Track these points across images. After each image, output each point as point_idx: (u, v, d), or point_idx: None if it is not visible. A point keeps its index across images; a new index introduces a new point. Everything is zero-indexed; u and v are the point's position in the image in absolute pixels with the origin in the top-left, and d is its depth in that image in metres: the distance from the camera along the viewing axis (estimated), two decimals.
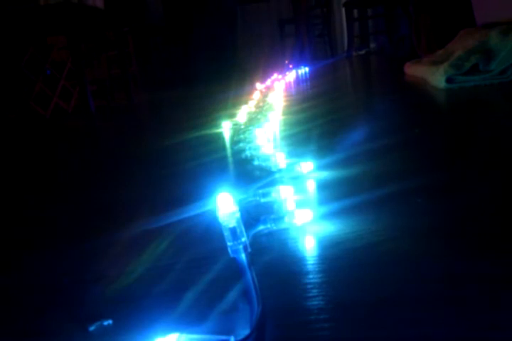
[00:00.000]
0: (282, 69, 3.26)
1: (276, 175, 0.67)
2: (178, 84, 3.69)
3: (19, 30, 2.46)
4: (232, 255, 0.38)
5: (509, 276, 0.33)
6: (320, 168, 0.68)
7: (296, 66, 3.44)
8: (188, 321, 0.33)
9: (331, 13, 5.48)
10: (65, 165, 1.14)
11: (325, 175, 0.66)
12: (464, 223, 0.45)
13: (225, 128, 1.20)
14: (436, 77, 1.48)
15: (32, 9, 2.21)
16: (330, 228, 0.46)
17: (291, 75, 2.87)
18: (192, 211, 0.56)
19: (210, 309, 0.34)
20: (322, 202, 0.55)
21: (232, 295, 0.36)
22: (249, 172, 0.74)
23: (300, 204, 0.52)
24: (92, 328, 0.34)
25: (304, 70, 3.13)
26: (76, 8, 2.30)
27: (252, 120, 1.22)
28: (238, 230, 0.38)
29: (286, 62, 4.20)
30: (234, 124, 1.22)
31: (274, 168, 0.70)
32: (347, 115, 1.34)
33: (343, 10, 4.66)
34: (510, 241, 0.39)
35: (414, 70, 1.93)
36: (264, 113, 1.29)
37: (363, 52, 5.20)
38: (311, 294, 0.34)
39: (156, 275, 0.42)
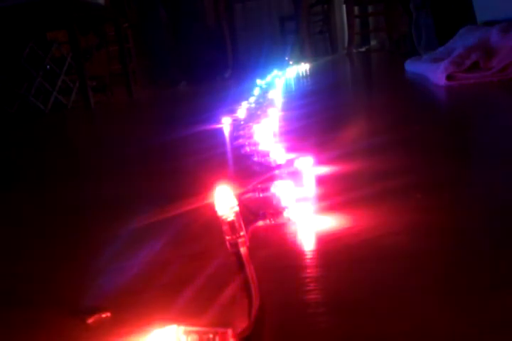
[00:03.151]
0: (282, 66, 3.26)
1: (276, 171, 0.67)
2: (178, 81, 3.68)
3: (19, 25, 2.45)
4: (230, 249, 0.38)
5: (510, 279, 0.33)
6: (319, 163, 0.68)
7: (297, 62, 3.44)
8: (186, 314, 0.33)
9: (332, 10, 5.48)
10: (64, 159, 1.14)
11: (324, 170, 0.66)
12: (464, 219, 0.45)
13: (225, 124, 1.20)
14: (436, 75, 1.48)
15: (32, 4, 2.20)
16: (329, 223, 0.46)
17: (291, 72, 2.87)
18: (191, 205, 0.56)
19: (209, 302, 0.34)
20: (321, 197, 0.55)
21: (231, 288, 0.36)
22: (249, 168, 0.74)
23: (299, 200, 0.52)
24: (90, 320, 0.34)
25: (304, 67, 3.13)
26: (76, 3, 2.29)
27: (252, 116, 1.22)
28: (237, 224, 0.38)
29: (287, 58, 4.20)
30: (234, 120, 1.22)
31: (274, 163, 0.70)
32: (347, 111, 1.34)
33: (344, 7, 4.65)
34: (510, 238, 0.39)
35: (414, 67, 1.93)
36: (263, 109, 1.29)
37: (363, 49, 5.20)
38: (309, 288, 0.34)
39: (155, 268, 0.42)
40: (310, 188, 0.59)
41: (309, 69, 3.17)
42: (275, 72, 2.68)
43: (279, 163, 0.70)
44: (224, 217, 0.38)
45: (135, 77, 3.80)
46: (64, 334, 0.33)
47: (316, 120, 1.19)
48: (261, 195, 0.55)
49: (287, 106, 1.43)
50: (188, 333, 0.27)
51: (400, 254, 0.38)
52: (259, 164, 0.73)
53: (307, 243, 0.43)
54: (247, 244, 0.38)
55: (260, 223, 0.47)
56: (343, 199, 0.53)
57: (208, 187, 0.47)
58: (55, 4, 2.25)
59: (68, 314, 0.36)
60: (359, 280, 0.35)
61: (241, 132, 1.00)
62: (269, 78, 2.46)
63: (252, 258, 0.37)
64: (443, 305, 0.30)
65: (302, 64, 3.21)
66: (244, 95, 1.69)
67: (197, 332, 0.27)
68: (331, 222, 0.46)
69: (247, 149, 0.84)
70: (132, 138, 1.33)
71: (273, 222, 0.47)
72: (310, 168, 0.64)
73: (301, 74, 2.90)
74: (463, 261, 0.36)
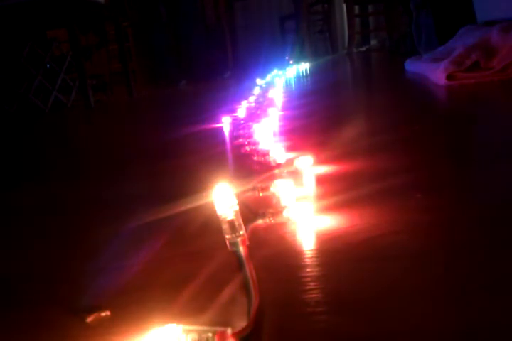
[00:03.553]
0: (282, 65, 3.26)
1: (275, 170, 0.67)
2: (178, 80, 3.68)
3: (19, 24, 2.45)
4: (230, 248, 0.38)
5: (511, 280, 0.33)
6: (319, 162, 0.68)
7: (297, 62, 3.44)
8: (186, 312, 0.33)
9: (332, 9, 5.47)
10: (64, 159, 1.14)
11: (324, 169, 0.66)
12: (464, 219, 0.44)
13: (225, 123, 1.20)
14: (436, 74, 1.48)
15: (32, 3, 2.20)
16: (329, 222, 0.46)
17: (291, 71, 2.87)
18: (190, 204, 0.56)
19: (208, 301, 0.34)
20: (321, 196, 0.55)
21: (230, 287, 0.36)
22: (248, 167, 0.74)
23: (299, 199, 0.52)
24: (89, 319, 0.34)
25: (304, 66, 3.13)
26: (76, 1, 2.29)
27: (252, 115, 1.22)
28: (236, 223, 0.38)
29: (287, 58, 4.20)
30: (233, 119, 1.22)
31: (273, 162, 0.70)
32: (347, 111, 1.33)
33: (344, 6, 4.65)
34: (510, 238, 0.39)
35: (414, 67, 1.93)
36: (263, 108, 1.29)
37: (363, 48, 5.20)
38: (308, 287, 0.34)
39: (155, 268, 0.42)
40: (310, 187, 0.59)
41: (309, 68, 3.17)
42: (275, 71, 2.68)
43: (279, 162, 0.70)
44: (223, 216, 0.38)
45: (135, 76, 3.80)
46: (64, 333, 0.33)
47: (315, 119, 1.19)
48: (261, 194, 0.55)
49: (287, 106, 1.43)
50: (187, 332, 0.27)
51: (400, 253, 0.38)
52: (259, 163, 0.73)
53: (307, 242, 0.43)
54: (247, 243, 0.38)
55: (260, 222, 0.47)
56: (342, 199, 0.53)
57: (207, 186, 0.47)
58: (55, 3, 2.25)
59: (68, 313, 0.35)
60: (359, 280, 0.35)
61: (241, 131, 1.00)
62: (269, 77, 2.46)
63: (251, 257, 0.37)
64: (443, 304, 0.30)
65: (302, 63, 3.21)
66: (245, 94, 1.69)
67: (196, 331, 0.27)
68: (331, 221, 0.46)
69: (247, 148, 0.84)
70: (132, 138, 1.33)
71: (273, 221, 0.47)
72: (310, 167, 0.64)
73: (301, 74, 2.90)
74: (463, 261, 0.36)
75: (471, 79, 1.41)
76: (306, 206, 0.50)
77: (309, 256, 0.40)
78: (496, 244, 0.38)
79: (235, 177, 0.71)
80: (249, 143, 0.86)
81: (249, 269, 0.35)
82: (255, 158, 0.76)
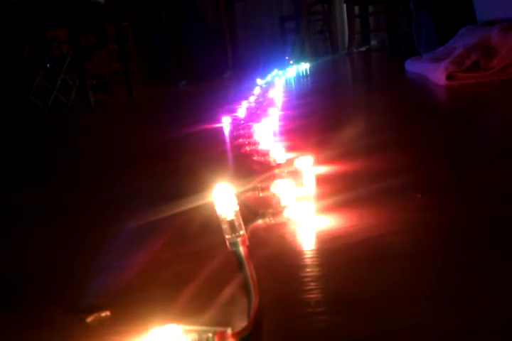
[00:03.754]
0: (282, 65, 3.26)
1: (276, 170, 0.67)
2: (178, 80, 3.68)
3: (19, 24, 2.45)
4: (230, 248, 0.38)
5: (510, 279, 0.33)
6: (319, 162, 0.68)
7: (297, 62, 3.44)
8: (186, 313, 0.33)
9: (332, 9, 5.47)
10: (64, 159, 1.14)
11: (324, 169, 0.66)
12: (464, 219, 0.44)
13: (225, 123, 1.20)
14: (436, 74, 1.47)
15: (32, 2, 2.20)
16: (329, 222, 0.46)
17: (291, 71, 2.87)
18: (190, 204, 0.56)
19: (208, 301, 0.34)
20: (321, 196, 0.55)
21: (230, 287, 0.36)
22: (248, 167, 0.74)
23: (299, 199, 0.52)
24: (89, 319, 0.34)
25: (304, 66, 3.13)
26: (77, 1, 2.29)
27: (252, 115, 1.22)
28: (236, 223, 0.38)
29: (287, 58, 4.20)
30: (234, 119, 1.22)
31: (273, 162, 0.70)
32: (346, 111, 1.33)
33: (344, 6, 4.65)
34: (510, 238, 0.39)
35: (414, 67, 1.93)
36: (263, 108, 1.29)
37: (363, 48, 5.20)
38: (308, 287, 0.34)
39: (155, 268, 0.42)
40: (310, 187, 0.59)
41: (309, 68, 3.17)
42: (275, 71, 2.68)
43: (279, 162, 0.70)
44: (223, 216, 0.38)
45: (135, 76, 3.80)
46: (64, 333, 0.33)
47: (315, 119, 1.19)
48: (261, 194, 0.55)
49: (287, 106, 1.43)
50: (187, 332, 0.27)
51: (400, 253, 0.38)
52: (259, 163, 0.73)
53: (307, 242, 0.43)
54: (247, 243, 0.38)
55: (260, 222, 0.47)
56: (342, 199, 0.53)
57: (207, 186, 0.47)
58: (56, 3, 2.25)
59: (68, 313, 0.35)
60: (359, 280, 0.35)
61: (241, 131, 1.00)
62: (269, 77, 2.47)
63: (251, 257, 0.37)
64: (443, 304, 0.30)
65: (302, 63, 3.21)
66: (245, 94, 1.69)
67: (196, 331, 0.27)
68: (331, 221, 0.46)
69: (247, 148, 0.84)
70: (132, 138, 1.33)
71: (273, 221, 0.47)
72: (310, 167, 0.64)
73: (301, 74, 2.90)
74: (463, 261, 0.36)
75: (471, 79, 1.41)
76: (306, 206, 0.50)
77: (309, 256, 0.40)
78: (495, 244, 0.38)
79: (235, 177, 0.71)
80: (249, 143, 0.86)
81: (249, 269, 0.35)
82: (255, 158, 0.76)
